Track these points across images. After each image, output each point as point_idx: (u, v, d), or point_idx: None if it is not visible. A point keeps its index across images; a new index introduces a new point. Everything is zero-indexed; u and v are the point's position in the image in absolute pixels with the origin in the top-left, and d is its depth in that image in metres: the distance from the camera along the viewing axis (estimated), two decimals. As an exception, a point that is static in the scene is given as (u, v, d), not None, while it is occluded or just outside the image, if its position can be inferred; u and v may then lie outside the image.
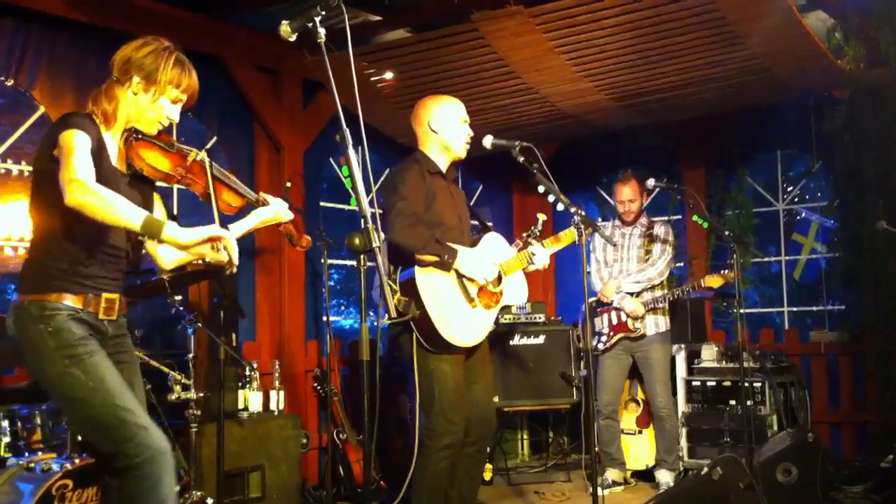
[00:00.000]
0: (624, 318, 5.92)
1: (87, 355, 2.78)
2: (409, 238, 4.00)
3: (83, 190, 2.61)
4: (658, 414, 5.93)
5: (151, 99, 2.92)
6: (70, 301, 2.79)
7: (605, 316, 6.00)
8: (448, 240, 4.09)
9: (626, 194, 6.01)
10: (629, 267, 6.00)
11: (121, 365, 2.95)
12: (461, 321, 4.04)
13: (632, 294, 5.90)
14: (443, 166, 4.29)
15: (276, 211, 3.14)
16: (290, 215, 3.18)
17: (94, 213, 2.62)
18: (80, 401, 2.75)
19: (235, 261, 2.84)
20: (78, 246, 2.82)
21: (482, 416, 4.21)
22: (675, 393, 6.23)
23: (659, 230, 6.05)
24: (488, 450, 5.63)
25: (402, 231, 4.00)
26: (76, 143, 2.71)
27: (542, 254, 4.33)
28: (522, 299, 4.45)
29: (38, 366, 2.78)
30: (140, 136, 2.94)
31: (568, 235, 4.48)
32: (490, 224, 4.52)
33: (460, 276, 4.09)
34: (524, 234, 5.48)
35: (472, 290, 4.11)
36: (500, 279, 4.25)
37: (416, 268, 4.00)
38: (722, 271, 5.73)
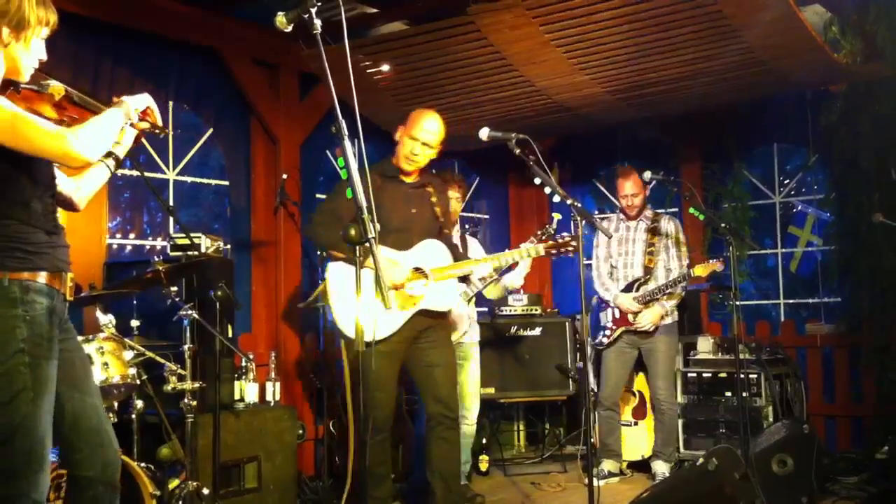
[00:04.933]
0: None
1: (45, 360, 2.65)
2: (317, 236, 4.44)
3: (79, 144, 2.61)
4: (658, 406, 5.94)
5: (25, 45, 2.71)
6: (45, 280, 2.67)
7: (609, 311, 6.01)
8: (387, 242, 4.25)
9: (629, 188, 5.96)
10: (634, 260, 5.99)
11: (71, 353, 2.85)
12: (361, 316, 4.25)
13: (629, 288, 5.90)
14: (407, 172, 4.44)
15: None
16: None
17: (100, 150, 2.68)
18: (11, 403, 2.58)
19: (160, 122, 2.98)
20: (38, 224, 2.71)
21: (441, 399, 4.45)
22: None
23: (668, 226, 6.00)
24: (461, 431, 5.70)
25: (312, 228, 4.49)
26: (10, 108, 2.58)
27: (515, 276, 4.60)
28: (447, 306, 4.53)
29: None
30: (19, 89, 2.73)
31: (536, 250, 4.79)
32: (471, 232, 4.67)
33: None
34: (538, 232, 5.56)
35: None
36: (422, 283, 4.37)
37: (330, 262, 4.39)
38: (709, 260, 5.74)
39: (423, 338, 4.45)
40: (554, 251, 4.66)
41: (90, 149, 2.64)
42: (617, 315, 5.96)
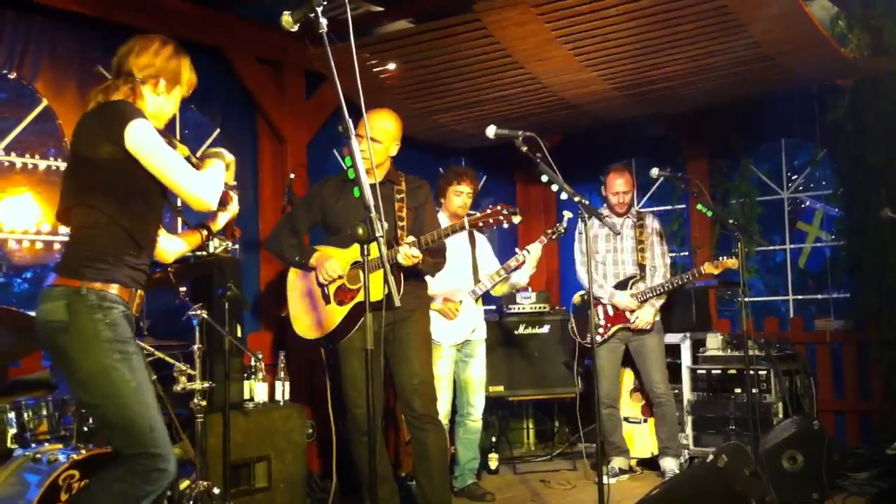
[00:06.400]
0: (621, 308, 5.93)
1: (134, 355, 2.85)
2: (270, 245, 4.80)
3: (204, 190, 2.90)
4: (658, 401, 5.93)
5: (169, 98, 3.06)
6: (118, 293, 2.86)
7: (600, 308, 5.99)
8: (341, 244, 4.46)
9: (621, 185, 5.97)
10: (624, 258, 5.98)
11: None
12: (308, 316, 4.60)
13: (622, 286, 5.89)
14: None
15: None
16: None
17: (217, 198, 2.98)
18: (118, 399, 2.79)
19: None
20: (136, 236, 2.91)
21: (405, 399, 4.52)
22: (680, 381, 6.25)
23: (653, 224, 6.03)
24: (467, 427, 5.75)
25: (267, 239, 4.88)
26: (161, 141, 2.86)
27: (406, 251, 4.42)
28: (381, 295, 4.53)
29: (83, 355, 2.79)
30: None
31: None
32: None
33: None
34: (548, 231, 5.54)
35: (328, 288, 4.53)
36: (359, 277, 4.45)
37: (290, 270, 4.69)
38: (720, 258, 5.72)
39: (394, 336, 4.49)
40: (480, 223, 4.45)
41: (211, 195, 2.95)
42: (610, 312, 5.95)
